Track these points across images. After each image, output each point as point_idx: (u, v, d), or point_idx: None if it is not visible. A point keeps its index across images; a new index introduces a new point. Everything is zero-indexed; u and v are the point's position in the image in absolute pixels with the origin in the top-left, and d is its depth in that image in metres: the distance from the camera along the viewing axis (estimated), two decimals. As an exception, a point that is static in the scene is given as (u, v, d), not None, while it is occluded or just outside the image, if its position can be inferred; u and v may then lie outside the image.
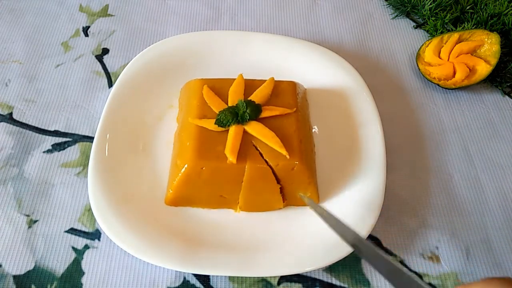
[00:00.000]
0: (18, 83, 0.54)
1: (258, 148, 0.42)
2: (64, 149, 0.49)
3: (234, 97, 0.45)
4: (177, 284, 0.41)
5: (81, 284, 0.41)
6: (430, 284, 0.42)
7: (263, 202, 0.44)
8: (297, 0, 0.65)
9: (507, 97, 0.56)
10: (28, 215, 0.44)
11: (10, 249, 0.42)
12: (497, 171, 0.49)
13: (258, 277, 0.41)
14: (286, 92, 0.46)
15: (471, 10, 0.60)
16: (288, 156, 0.41)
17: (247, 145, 0.42)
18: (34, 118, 0.51)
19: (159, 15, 0.63)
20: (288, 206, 0.45)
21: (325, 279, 0.42)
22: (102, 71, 0.56)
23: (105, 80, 0.55)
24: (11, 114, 0.52)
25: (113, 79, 0.55)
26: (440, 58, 0.56)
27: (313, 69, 0.53)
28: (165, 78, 0.52)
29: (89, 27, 0.61)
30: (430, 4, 0.60)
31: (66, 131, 0.50)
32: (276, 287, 0.41)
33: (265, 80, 0.46)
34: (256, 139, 0.42)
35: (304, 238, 0.42)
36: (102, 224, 0.41)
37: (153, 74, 0.52)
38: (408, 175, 0.49)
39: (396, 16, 0.64)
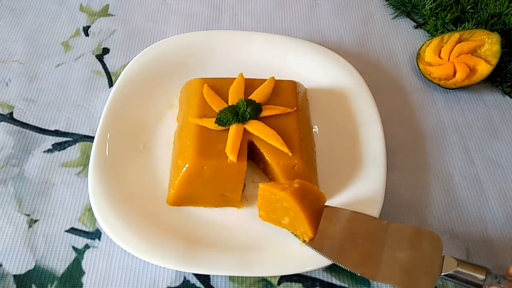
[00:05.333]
0: (19, 82, 0.54)
1: (259, 147, 0.42)
2: (64, 148, 0.49)
3: (234, 96, 0.45)
4: (177, 284, 0.41)
5: (81, 284, 0.41)
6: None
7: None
8: (298, 0, 0.65)
9: (507, 97, 0.56)
10: (28, 215, 0.44)
11: (11, 249, 0.42)
12: (497, 170, 0.49)
13: (258, 277, 0.41)
14: (287, 91, 0.46)
15: (472, 10, 0.60)
16: (290, 154, 0.41)
17: (247, 144, 0.42)
18: (35, 117, 0.51)
19: (160, 15, 0.63)
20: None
21: (325, 279, 0.42)
22: (103, 70, 0.56)
23: (105, 80, 0.55)
24: (11, 113, 0.52)
25: (113, 79, 0.55)
26: (441, 58, 0.56)
27: (313, 69, 0.53)
28: (165, 78, 0.52)
29: (89, 26, 0.61)
30: (431, 4, 0.60)
31: (67, 130, 0.50)
32: (276, 287, 0.41)
33: (265, 80, 0.46)
34: (257, 138, 0.42)
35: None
36: (102, 223, 0.41)
37: (153, 74, 0.52)
38: (408, 175, 0.48)
39: (397, 16, 0.64)
